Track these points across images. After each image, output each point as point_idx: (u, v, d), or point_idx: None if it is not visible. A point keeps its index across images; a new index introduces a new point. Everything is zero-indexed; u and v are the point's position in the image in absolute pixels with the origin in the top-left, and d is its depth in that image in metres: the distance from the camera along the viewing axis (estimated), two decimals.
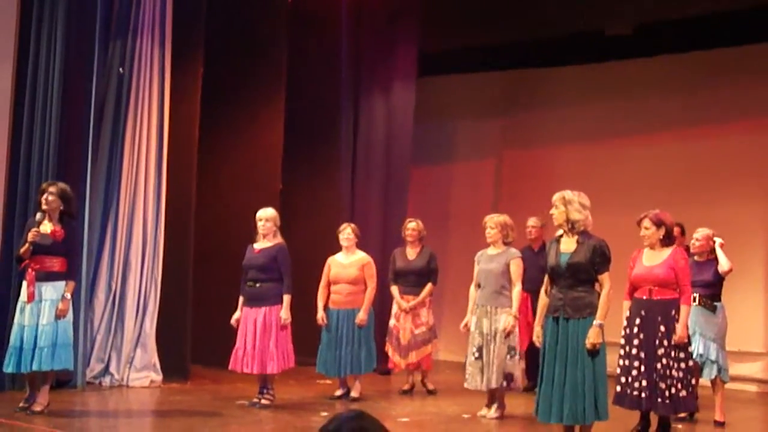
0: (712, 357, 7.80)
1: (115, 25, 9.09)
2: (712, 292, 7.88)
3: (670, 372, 6.96)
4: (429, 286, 9.16)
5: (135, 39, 9.10)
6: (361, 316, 8.53)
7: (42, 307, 7.28)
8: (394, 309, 9.23)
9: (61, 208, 7.44)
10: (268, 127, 10.51)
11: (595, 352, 6.26)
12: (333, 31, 10.93)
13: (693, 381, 7.17)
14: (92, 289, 8.84)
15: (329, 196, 10.91)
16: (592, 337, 6.23)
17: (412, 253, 9.30)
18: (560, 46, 11.44)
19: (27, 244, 7.29)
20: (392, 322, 9.21)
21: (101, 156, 8.98)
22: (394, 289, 9.24)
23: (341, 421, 3.04)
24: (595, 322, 6.25)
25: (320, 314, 8.61)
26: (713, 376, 7.83)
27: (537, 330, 6.61)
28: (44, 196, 7.41)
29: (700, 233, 8.00)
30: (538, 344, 6.60)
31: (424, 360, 9.16)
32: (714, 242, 7.96)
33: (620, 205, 10.07)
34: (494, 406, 7.94)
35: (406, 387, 9.39)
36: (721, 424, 7.83)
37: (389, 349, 9.22)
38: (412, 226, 9.32)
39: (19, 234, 7.90)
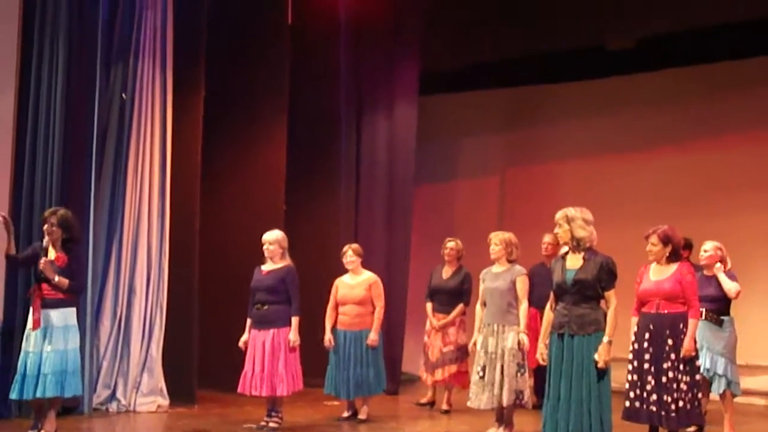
0: (720, 371, 7.77)
1: (117, 48, 9.10)
2: (718, 306, 7.86)
3: (677, 385, 6.93)
4: (460, 306, 9.19)
5: (136, 62, 9.12)
6: (372, 337, 8.51)
7: (48, 333, 7.27)
8: (427, 326, 9.30)
9: (63, 236, 7.45)
10: (271, 149, 10.49)
11: (604, 369, 6.25)
12: (334, 50, 10.93)
13: (699, 395, 7.13)
14: (97, 315, 8.81)
15: (332, 216, 10.88)
16: (603, 355, 6.23)
17: (448, 271, 9.34)
18: (562, 62, 11.42)
19: (40, 270, 7.31)
20: (425, 338, 9.31)
21: (104, 181, 8.97)
22: (428, 306, 9.33)
23: None
24: (605, 340, 6.26)
25: (327, 336, 8.58)
26: (722, 390, 7.80)
27: (541, 347, 6.61)
28: (45, 226, 7.44)
29: (709, 245, 7.98)
30: (542, 362, 6.60)
31: (453, 377, 9.16)
32: (723, 251, 7.94)
33: (624, 220, 10.08)
34: (502, 425, 7.91)
35: (423, 400, 9.52)
36: None
37: (420, 365, 9.39)
38: (450, 245, 9.36)
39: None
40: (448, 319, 9.15)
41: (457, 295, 9.21)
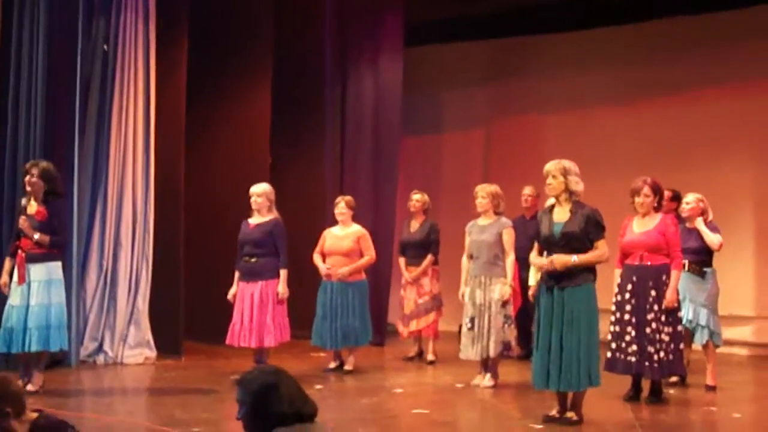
0: (702, 322, 7.83)
1: (99, 0, 8.99)
2: (701, 258, 7.88)
3: (659, 336, 7.06)
4: (429, 257, 9.24)
5: (119, 14, 9.03)
6: (343, 271, 8.55)
7: (31, 288, 7.25)
8: (402, 280, 9.39)
9: (45, 188, 7.39)
10: (256, 101, 10.43)
11: (590, 317, 6.29)
12: (319, 1, 10.83)
13: (681, 346, 7.25)
14: (84, 268, 8.81)
15: (318, 169, 10.86)
16: (560, 263, 6.29)
17: (415, 225, 9.41)
18: (548, 13, 11.37)
19: (19, 228, 7.28)
20: (401, 292, 9.42)
21: (88, 134, 8.92)
22: (401, 261, 9.43)
23: (259, 372, 3.24)
24: (573, 257, 6.28)
25: (323, 268, 8.64)
26: (704, 341, 7.87)
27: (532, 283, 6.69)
28: (27, 177, 7.37)
29: (691, 197, 8.01)
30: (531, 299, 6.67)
31: (427, 328, 9.25)
32: (705, 203, 7.97)
33: (608, 173, 10.10)
34: (488, 375, 7.99)
35: (411, 354, 9.60)
36: (712, 389, 7.88)
37: (397, 319, 9.56)
38: (416, 198, 9.43)
39: (8, 214, 7.85)
40: (418, 271, 9.22)
41: (424, 246, 9.28)
